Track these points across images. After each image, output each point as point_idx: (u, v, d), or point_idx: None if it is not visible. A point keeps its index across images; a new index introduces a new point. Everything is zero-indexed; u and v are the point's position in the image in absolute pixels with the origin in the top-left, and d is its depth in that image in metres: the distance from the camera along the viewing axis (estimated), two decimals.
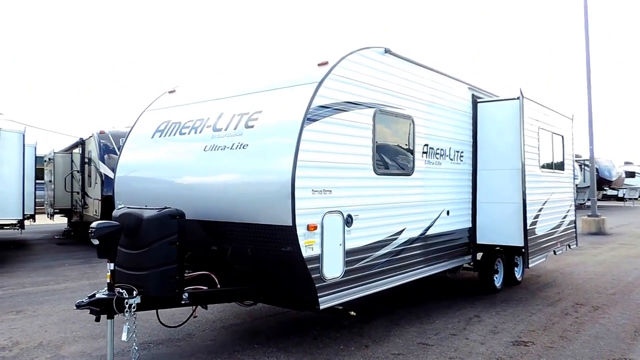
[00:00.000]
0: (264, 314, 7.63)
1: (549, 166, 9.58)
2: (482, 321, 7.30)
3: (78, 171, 16.92)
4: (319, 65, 5.78)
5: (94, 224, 5.13)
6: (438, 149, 7.56)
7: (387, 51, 6.51)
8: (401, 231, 6.68)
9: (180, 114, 6.80)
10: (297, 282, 5.47)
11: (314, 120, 5.34)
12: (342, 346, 6.23)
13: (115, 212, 5.81)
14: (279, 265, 5.49)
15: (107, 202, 13.78)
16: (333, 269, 5.57)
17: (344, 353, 5.97)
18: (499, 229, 8.32)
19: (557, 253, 10.17)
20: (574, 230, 11.12)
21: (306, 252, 5.22)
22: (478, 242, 8.50)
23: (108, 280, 5.19)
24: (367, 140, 6.12)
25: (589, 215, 19.62)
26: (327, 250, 5.46)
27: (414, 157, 7.01)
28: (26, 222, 14.59)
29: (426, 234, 7.23)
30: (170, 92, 7.60)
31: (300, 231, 5.14)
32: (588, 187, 24.75)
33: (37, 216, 17.36)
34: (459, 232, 8.10)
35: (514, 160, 8.23)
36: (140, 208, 5.62)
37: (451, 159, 7.91)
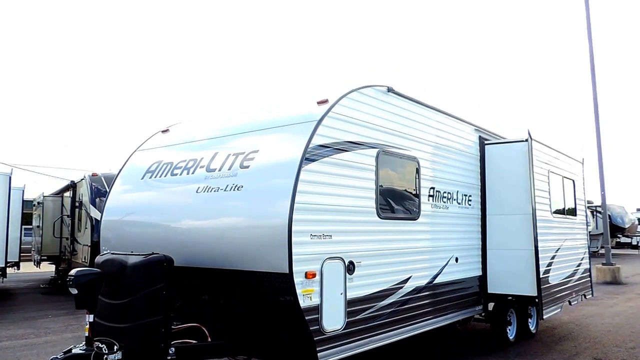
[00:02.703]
0: None
1: (561, 211, 9.18)
2: None
3: (68, 216, 16.33)
4: (318, 103, 5.48)
5: (72, 271, 4.75)
6: (445, 192, 7.19)
7: (390, 90, 6.23)
8: (407, 279, 6.24)
9: (172, 154, 6.48)
10: (294, 335, 5.01)
11: (313, 160, 5.00)
12: None
13: (98, 258, 5.42)
14: (275, 316, 5.05)
15: (97, 248, 13.24)
16: (333, 320, 5.11)
17: None
18: (510, 277, 7.85)
19: (572, 304, 9.64)
20: (588, 279, 10.61)
21: (304, 302, 4.79)
22: (489, 291, 8.01)
23: (87, 334, 4.75)
24: (370, 182, 5.76)
25: (603, 264, 19.01)
26: (326, 300, 5.03)
27: (419, 201, 6.62)
28: (9, 270, 13.83)
29: (434, 282, 6.77)
30: (163, 131, 7.30)
31: (298, 279, 4.72)
32: (601, 234, 24.06)
33: (22, 263, 16.51)
34: (468, 281, 7.63)
35: (525, 204, 7.83)
36: (125, 254, 5.23)
37: (459, 203, 7.53)
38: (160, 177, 6.30)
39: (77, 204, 15.65)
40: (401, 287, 6.14)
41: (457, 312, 7.40)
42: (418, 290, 6.44)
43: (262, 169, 5.19)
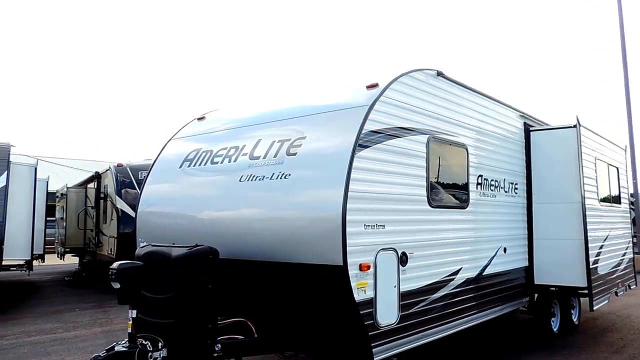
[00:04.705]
0: None
1: (607, 200, 8.84)
2: None
3: (92, 207, 16.12)
4: (367, 87, 5.21)
5: (115, 265, 4.53)
6: (492, 180, 6.90)
7: (439, 74, 5.95)
8: (457, 271, 5.98)
9: (211, 142, 6.25)
10: (348, 330, 4.78)
11: (365, 147, 4.75)
12: None
13: (139, 251, 5.21)
14: (327, 311, 4.82)
15: (124, 241, 13.03)
16: (388, 314, 4.88)
17: None
18: (558, 268, 7.55)
19: (618, 294, 9.31)
20: (632, 268, 10.26)
21: (358, 296, 4.55)
22: (536, 282, 7.72)
23: (129, 330, 4.54)
24: (421, 170, 5.49)
25: (635, 253, 18.52)
26: (380, 293, 4.79)
27: (468, 189, 6.35)
28: (35, 263, 13.67)
29: (483, 273, 6.50)
30: (199, 119, 7.08)
31: (352, 271, 4.48)
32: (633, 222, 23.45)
33: (46, 256, 16.33)
34: (515, 272, 7.35)
35: (573, 193, 7.51)
36: (168, 246, 5.02)
37: (506, 192, 7.23)
38: (199, 165, 6.08)
39: (101, 196, 15.49)
40: (452, 279, 5.88)
41: (505, 304, 7.13)
42: (468, 282, 6.18)
43: (310, 156, 4.95)
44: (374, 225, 4.79)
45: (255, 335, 5.19)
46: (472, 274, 6.28)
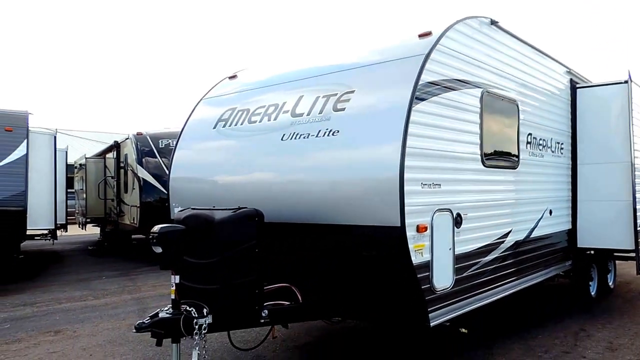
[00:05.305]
0: (337, 329, 6.59)
1: None
2: (592, 336, 6.36)
3: (112, 177, 15.97)
4: (420, 36, 4.85)
5: (156, 228, 4.24)
6: (541, 139, 6.57)
7: (493, 22, 5.58)
8: (507, 233, 5.71)
9: (247, 100, 5.94)
10: (403, 295, 4.54)
11: (422, 100, 4.43)
12: None
13: (178, 215, 4.92)
14: (380, 275, 4.56)
15: (147, 209, 12.95)
16: (443, 277, 4.63)
17: None
18: (603, 230, 7.26)
19: None
20: None
21: (416, 258, 4.30)
22: (578, 245, 7.45)
23: (173, 296, 4.28)
24: (475, 126, 5.18)
25: None
26: (437, 256, 4.54)
27: (519, 148, 6.03)
28: (58, 232, 13.67)
29: (531, 236, 6.24)
30: (230, 77, 6.75)
31: (410, 233, 4.21)
32: None
33: (68, 226, 16.24)
34: (559, 235, 7.08)
35: (622, 152, 7.16)
36: (209, 209, 4.74)
37: (552, 151, 6.91)
38: (235, 125, 5.78)
39: (121, 165, 15.30)
40: (502, 242, 5.62)
41: (550, 267, 6.90)
42: (517, 245, 5.91)
43: (362, 110, 4.63)
44: (430, 184, 4.50)
45: (301, 301, 4.97)
46: (521, 236, 6.02)
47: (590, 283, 8.10)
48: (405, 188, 4.13)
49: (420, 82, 4.38)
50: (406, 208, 4.14)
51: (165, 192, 12.86)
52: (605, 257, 8.39)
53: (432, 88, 4.54)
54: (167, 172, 13.18)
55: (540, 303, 8.07)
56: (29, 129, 11.19)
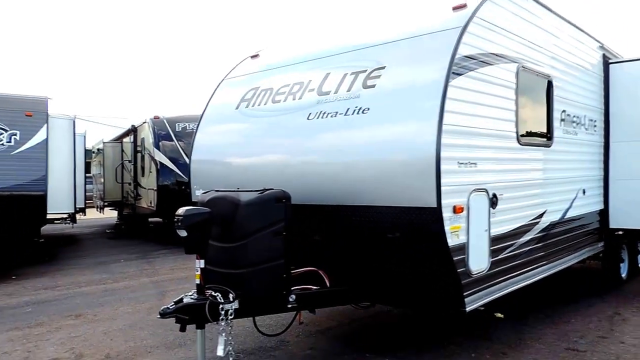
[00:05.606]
0: (360, 314, 6.40)
1: None
2: (628, 320, 6.16)
3: (129, 161, 16.01)
4: (454, 9, 4.62)
5: (180, 211, 4.10)
6: (574, 116, 6.34)
7: None
8: (542, 214, 5.52)
9: (271, 79, 5.75)
10: (437, 279, 4.37)
11: (459, 75, 4.22)
12: (474, 354, 5.14)
13: (202, 197, 4.78)
14: (413, 258, 4.39)
15: (164, 192, 12.94)
16: (479, 260, 4.46)
17: None
18: (637, 210, 7.02)
19: None
20: None
21: (452, 241, 4.12)
22: (611, 226, 7.24)
23: (197, 281, 4.17)
24: (510, 103, 4.96)
25: None
26: (472, 238, 4.36)
27: (553, 125, 5.80)
28: (77, 216, 13.76)
29: (564, 217, 6.03)
30: (252, 56, 6.56)
31: (446, 214, 4.03)
32: None
33: (86, 210, 16.43)
34: (592, 216, 6.87)
35: None
36: (234, 191, 4.59)
37: (586, 129, 6.67)
38: (258, 105, 5.61)
39: (138, 149, 15.27)
40: (537, 223, 5.43)
41: (583, 249, 6.72)
42: (551, 226, 5.73)
43: (394, 87, 4.43)
44: (467, 163, 4.32)
45: (328, 286, 4.83)
46: (555, 217, 5.82)
47: (621, 265, 7.90)
48: (442, 167, 3.94)
49: (457, 56, 4.17)
50: (442, 188, 3.95)
51: (182, 175, 12.99)
52: (635, 238, 8.18)
53: (468, 62, 4.32)
54: (183, 155, 13.23)
55: (569, 286, 7.88)
56: (49, 114, 11.17)
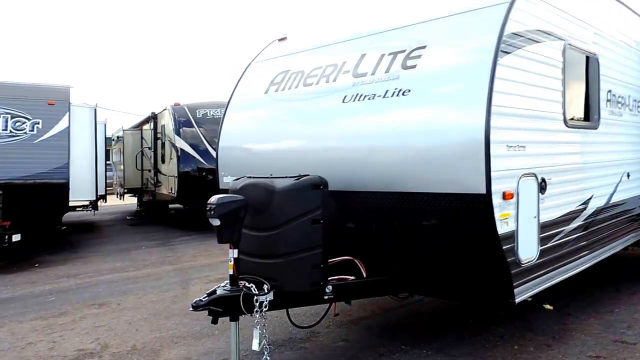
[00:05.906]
0: (393, 304, 6.16)
1: None
2: None
3: (149, 148, 15.97)
4: None
5: (213, 199, 3.92)
6: (620, 96, 6.03)
7: None
8: (589, 199, 5.25)
9: (301, 62, 5.53)
10: (485, 269, 4.15)
11: (507, 53, 3.97)
12: (516, 346, 4.91)
13: (234, 184, 4.59)
14: (459, 247, 4.17)
15: (184, 179, 12.85)
16: (528, 249, 4.23)
17: (524, 356, 4.66)
18: None
19: None
20: None
21: (501, 228, 3.89)
22: None
23: (230, 272, 3.99)
24: (557, 83, 4.69)
25: None
26: (522, 225, 4.13)
27: (599, 106, 5.51)
28: (98, 203, 13.85)
29: (609, 202, 5.75)
30: (280, 39, 6.33)
31: (496, 201, 3.80)
32: None
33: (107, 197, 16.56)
34: (635, 200, 6.55)
35: None
36: (268, 177, 4.39)
37: (630, 110, 6.36)
38: (289, 89, 5.40)
39: (158, 136, 15.18)
40: (584, 209, 5.17)
41: (628, 235, 6.43)
42: (598, 211, 5.46)
43: (437, 67, 4.20)
44: (516, 146, 4.07)
45: (365, 276, 4.63)
46: (601, 202, 5.55)
47: None
48: (492, 151, 3.70)
49: (505, 33, 3.91)
50: (492, 173, 3.71)
51: (203, 161, 12.87)
52: None
53: (516, 40, 4.06)
54: (204, 141, 13.11)
55: (610, 275, 7.60)
56: (70, 102, 11.16)
